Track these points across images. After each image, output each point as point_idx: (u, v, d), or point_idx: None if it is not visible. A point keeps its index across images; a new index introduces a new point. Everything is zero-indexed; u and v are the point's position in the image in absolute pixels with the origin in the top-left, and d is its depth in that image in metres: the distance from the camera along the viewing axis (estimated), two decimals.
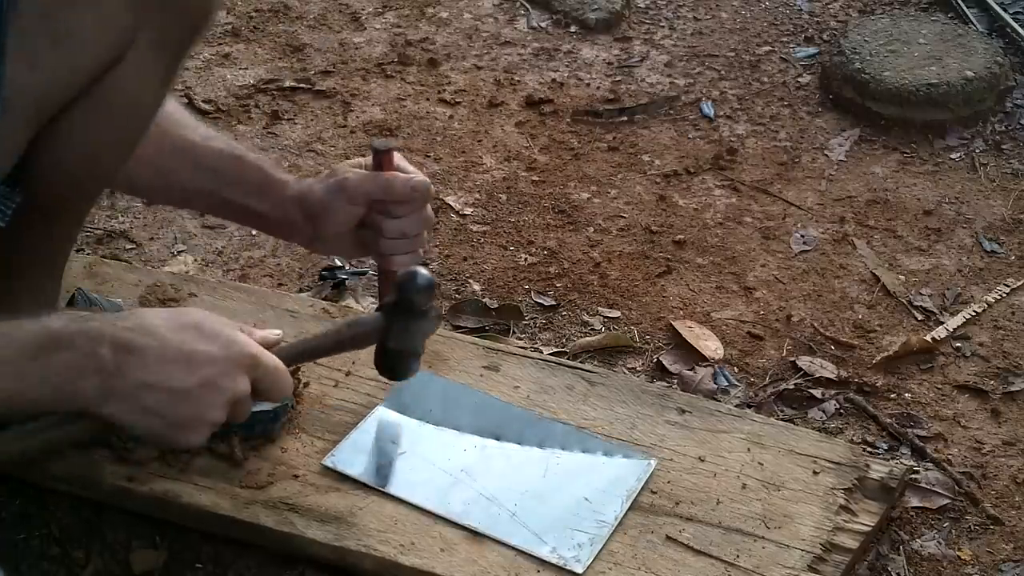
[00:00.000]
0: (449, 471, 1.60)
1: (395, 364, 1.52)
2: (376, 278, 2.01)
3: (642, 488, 1.58)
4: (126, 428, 1.28)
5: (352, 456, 1.61)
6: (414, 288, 1.45)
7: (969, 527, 1.67)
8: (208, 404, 1.28)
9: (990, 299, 2.06)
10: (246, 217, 1.65)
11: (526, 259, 2.15)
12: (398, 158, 1.57)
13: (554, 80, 2.65)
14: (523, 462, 1.63)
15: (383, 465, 1.61)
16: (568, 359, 1.86)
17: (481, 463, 1.62)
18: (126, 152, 1.44)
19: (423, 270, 1.46)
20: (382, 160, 1.55)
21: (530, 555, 1.50)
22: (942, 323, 2.01)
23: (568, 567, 1.48)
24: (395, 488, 1.58)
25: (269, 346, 1.37)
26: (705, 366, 1.92)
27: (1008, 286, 2.09)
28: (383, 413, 1.68)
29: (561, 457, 1.63)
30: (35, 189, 1.37)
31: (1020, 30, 2.72)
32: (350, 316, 1.53)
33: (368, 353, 1.62)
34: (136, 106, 1.39)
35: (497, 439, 1.65)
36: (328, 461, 1.60)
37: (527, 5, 2.90)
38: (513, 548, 1.51)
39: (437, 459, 1.62)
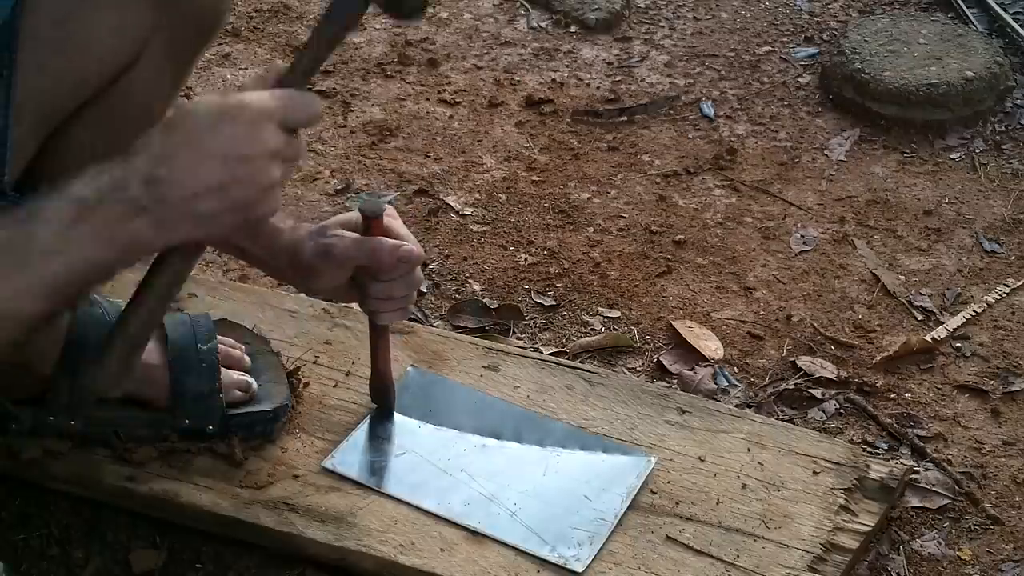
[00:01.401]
0: (449, 471, 1.60)
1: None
2: None
3: (642, 487, 1.58)
4: (206, 240, 1.24)
5: (352, 457, 1.61)
6: None
7: (969, 527, 1.67)
8: (257, 171, 1.20)
9: (990, 299, 2.06)
10: (239, 255, 1.64)
11: (526, 259, 2.15)
12: (389, 218, 1.53)
13: (554, 80, 2.65)
14: (523, 461, 1.63)
15: (382, 466, 1.61)
16: (568, 359, 1.86)
17: (481, 463, 1.62)
18: None
19: None
20: (370, 225, 1.50)
21: (530, 554, 1.50)
22: (942, 323, 2.01)
23: (568, 566, 1.48)
24: (395, 489, 1.58)
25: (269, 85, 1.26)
26: (705, 366, 1.92)
27: (1008, 286, 2.09)
28: (382, 414, 1.68)
29: (561, 456, 1.63)
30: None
31: (1020, 30, 2.72)
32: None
33: (368, 355, 1.62)
34: (146, 112, 1.38)
35: (497, 438, 1.65)
36: (328, 463, 1.60)
37: (527, 5, 2.90)
38: (513, 548, 1.51)
39: (437, 459, 1.62)
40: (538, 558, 1.49)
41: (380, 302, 1.54)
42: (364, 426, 1.66)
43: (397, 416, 1.67)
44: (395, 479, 1.59)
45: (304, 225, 1.56)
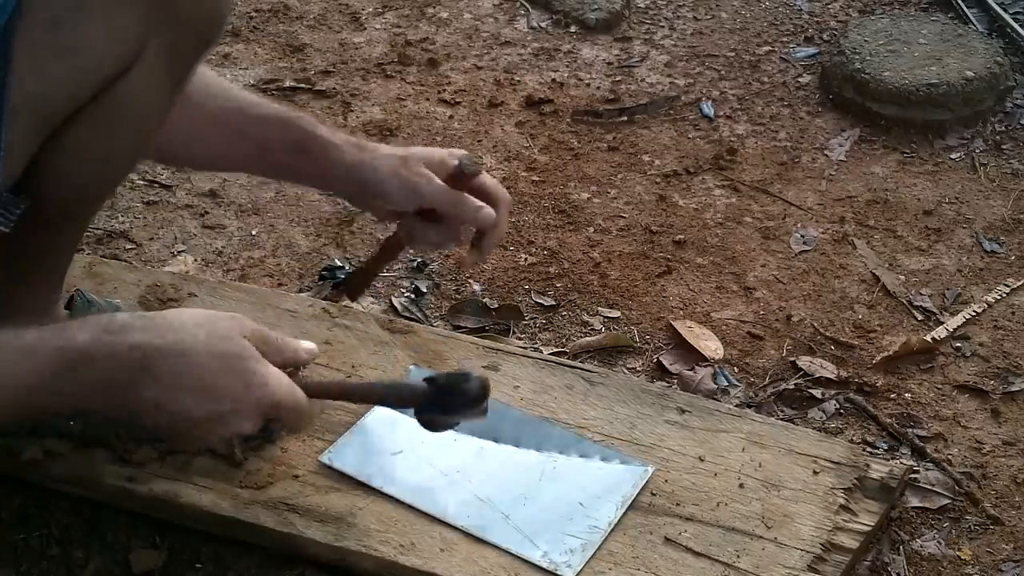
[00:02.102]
0: (445, 471, 1.60)
1: (425, 426, 1.50)
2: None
3: (639, 492, 1.58)
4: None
5: (349, 453, 1.61)
6: (461, 394, 1.43)
7: (969, 527, 1.67)
8: (210, 435, 1.30)
9: (990, 299, 2.06)
10: (284, 173, 1.69)
11: (526, 259, 2.15)
12: (483, 177, 1.59)
13: (554, 80, 2.65)
14: (519, 465, 1.62)
15: (379, 463, 1.61)
16: (568, 359, 1.86)
17: (477, 464, 1.62)
18: (132, 160, 1.44)
19: (477, 376, 1.42)
20: (463, 180, 1.56)
21: (521, 559, 1.49)
22: (942, 323, 2.01)
23: (558, 572, 1.48)
24: (390, 487, 1.57)
25: (298, 365, 1.37)
26: (705, 366, 1.92)
27: (1008, 286, 2.09)
28: (382, 411, 1.67)
29: (558, 461, 1.63)
30: (41, 195, 1.37)
31: (1020, 30, 2.72)
32: (391, 380, 1.57)
33: (368, 355, 1.63)
34: (144, 115, 1.38)
35: (495, 441, 1.65)
36: (325, 457, 1.60)
37: (527, 5, 2.90)
38: (504, 551, 1.50)
39: (434, 459, 1.62)
40: (528, 562, 1.49)
41: (424, 245, 1.64)
42: (363, 423, 1.66)
43: (396, 415, 1.67)
44: (391, 477, 1.59)
45: (370, 145, 1.59)
